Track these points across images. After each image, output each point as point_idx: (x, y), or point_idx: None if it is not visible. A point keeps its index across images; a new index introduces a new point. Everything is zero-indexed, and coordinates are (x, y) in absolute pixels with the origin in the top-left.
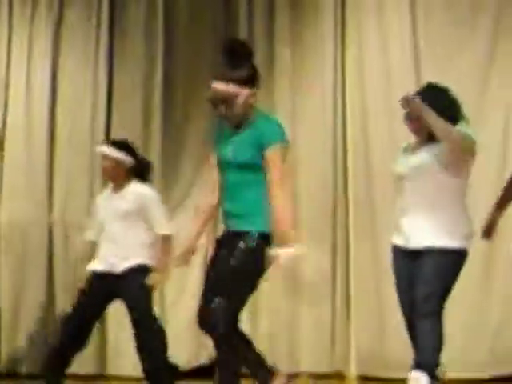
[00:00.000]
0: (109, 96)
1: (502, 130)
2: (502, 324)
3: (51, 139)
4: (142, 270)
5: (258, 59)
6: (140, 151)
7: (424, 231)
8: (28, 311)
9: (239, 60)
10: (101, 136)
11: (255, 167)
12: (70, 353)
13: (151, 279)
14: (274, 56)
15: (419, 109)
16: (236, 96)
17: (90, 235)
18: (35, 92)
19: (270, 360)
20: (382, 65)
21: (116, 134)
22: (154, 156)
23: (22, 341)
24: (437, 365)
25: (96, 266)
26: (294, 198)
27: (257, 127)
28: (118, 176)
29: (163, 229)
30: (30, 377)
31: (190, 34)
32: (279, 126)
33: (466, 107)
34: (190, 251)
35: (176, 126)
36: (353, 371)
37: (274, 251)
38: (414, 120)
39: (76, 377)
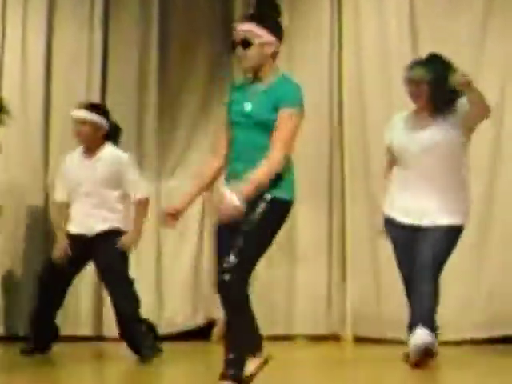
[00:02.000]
0: (104, 59)
1: (499, 92)
2: (495, 286)
3: (46, 103)
4: (116, 233)
5: None
6: (136, 115)
7: (435, 211)
8: (25, 276)
9: (268, 11)
10: (96, 99)
11: (271, 127)
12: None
13: (124, 241)
14: None
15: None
16: (256, 36)
17: (60, 197)
18: (30, 57)
19: (266, 323)
20: (378, 31)
21: (111, 98)
22: (149, 119)
23: (18, 305)
24: (435, 322)
25: (71, 228)
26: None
27: (277, 88)
28: (95, 140)
29: (139, 192)
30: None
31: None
32: (300, 91)
33: (464, 64)
34: (177, 213)
35: (172, 89)
36: (349, 333)
37: (224, 189)
38: (418, 84)
39: (73, 338)
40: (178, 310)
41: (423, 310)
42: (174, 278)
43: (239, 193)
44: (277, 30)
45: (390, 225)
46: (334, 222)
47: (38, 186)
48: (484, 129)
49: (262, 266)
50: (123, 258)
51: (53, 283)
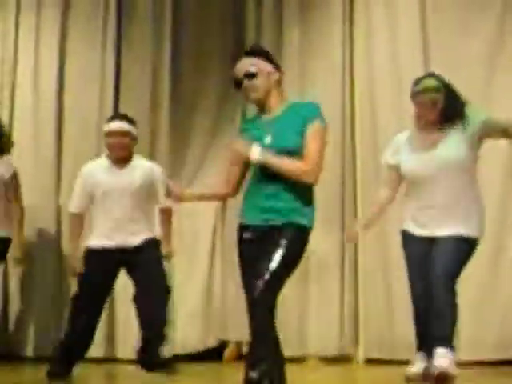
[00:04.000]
0: (116, 79)
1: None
2: (509, 308)
3: (59, 124)
4: (154, 244)
5: (267, 39)
6: (149, 134)
7: (451, 225)
8: (38, 294)
9: (262, 47)
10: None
11: (298, 154)
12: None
13: (164, 251)
14: (282, 37)
15: None
16: (260, 67)
17: (75, 207)
18: (43, 77)
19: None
20: (390, 46)
21: None
22: (162, 138)
23: (31, 325)
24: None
25: (101, 241)
26: None
27: (295, 111)
28: (131, 151)
29: (167, 201)
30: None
31: (197, 16)
32: (317, 106)
33: (475, 91)
34: (181, 195)
35: (184, 108)
36: (360, 354)
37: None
38: (429, 95)
39: (85, 360)
40: (189, 331)
41: (445, 324)
42: (185, 300)
43: (263, 152)
44: (273, 61)
45: (407, 238)
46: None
47: (50, 207)
48: (496, 154)
49: None
50: (163, 268)
51: (87, 304)
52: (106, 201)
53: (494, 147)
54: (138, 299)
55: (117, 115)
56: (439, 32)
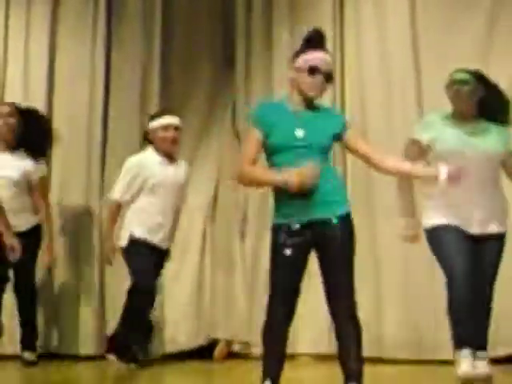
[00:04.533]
0: (106, 77)
1: None
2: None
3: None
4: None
5: (257, 40)
6: (138, 132)
7: (489, 218)
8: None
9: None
10: (98, 117)
11: (330, 152)
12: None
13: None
14: (272, 37)
15: None
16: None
17: (122, 196)
18: (32, 74)
19: None
20: (380, 45)
21: (113, 115)
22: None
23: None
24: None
25: (152, 236)
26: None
27: (330, 113)
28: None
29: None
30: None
31: (187, 16)
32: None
33: None
34: None
35: (174, 106)
36: None
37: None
38: (462, 86)
39: (77, 358)
40: (180, 329)
41: (484, 332)
42: (176, 298)
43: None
44: None
45: (443, 229)
46: None
47: None
48: None
49: (264, 285)
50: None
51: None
52: (154, 192)
53: None
54: None
55: (165, 110)
56: (429, 31)
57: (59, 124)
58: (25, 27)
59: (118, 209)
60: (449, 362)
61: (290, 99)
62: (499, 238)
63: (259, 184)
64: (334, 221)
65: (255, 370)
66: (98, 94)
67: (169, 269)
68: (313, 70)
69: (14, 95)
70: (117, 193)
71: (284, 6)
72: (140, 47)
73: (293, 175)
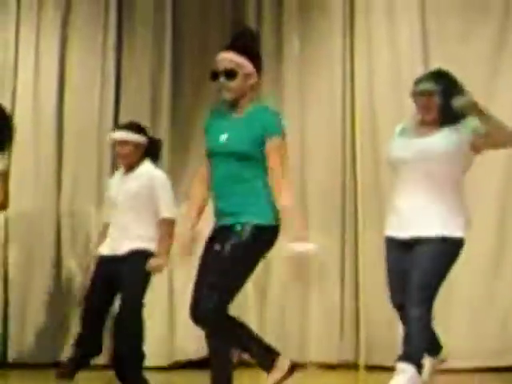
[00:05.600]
0: (117, 85)
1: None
2: (509, 312)
3: (59, 130)
4: (143, 255)
5: (267, 50)
6: None
7: (424, 219)
8: (36, 301)
9: (249, 42)
10: (109, 126)
11: (252, 159)
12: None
13: (152, 264)
14: (282, 47)
15: (484, 112)
16: (241, 67)
17: (105, 217)
18: (43, 84)
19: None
20: (390, 54)
21: None
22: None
23: (30, 332)
24: (423, 354)
25: (103, 249)
26: (302, 186)
27: (257, 118)
28: (136, 159)
29: (168, 212)
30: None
31: (198, 23)
32: (280, 117)
33: (476, 93)
34: (191, 240)
35: (184, 119)
36: (361, 360)
37: (286, 247)
38: (427, 97)
39: (89, 367)
40: (189, 338)
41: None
42: (185, 308)
43: (301, 238)
44: (258, 62)
45: (387, 245)
46: (346, 249)
47: (50, 212)
48: (497, 156)
49: (274, 294)
50: (144, 281)
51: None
52: (115, 207)
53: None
54: None
55: (120, 124)
56: (439, 40)
57: (69, 132)
58: (35, 36)
59: (104, 231)
60: None
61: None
62: (439, 242)
63: None
64: (238, 227)
65: (265, 379)
66: (108, 103)
67: (178, 279)
68: (213, 76)
69: (25, 103)
70: (104, 216)
71: (294, 19)
72: (150, 57)
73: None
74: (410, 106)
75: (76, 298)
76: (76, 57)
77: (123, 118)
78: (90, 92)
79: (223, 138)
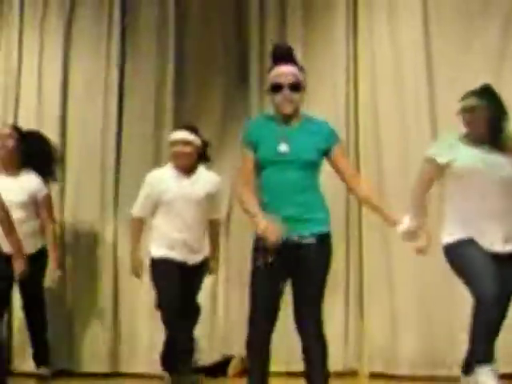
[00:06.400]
0: (120, 92)
1: None
2: None
3: (62, 137)
4: (206, 263)
5: (269, 52)
6: (152, 147)
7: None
8: None
9: (295, 57)
10: (112, 134)
11: (315, 167)
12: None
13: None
14: None
15: None
16: (302, 81)
17: (139, 212)
18: (46, 90)
19: (284, 359)
20: (393, 59)
21: (128, 131)
22: (166, 153)
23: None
24: None
25: (172, 254)
26: None
27: (317, 128)
28: (195, 161)
29: (220, 212)
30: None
31: (201, 27)
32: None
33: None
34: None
35: (188, 119)
36: (365, 369)
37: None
38: (474, 112)
39: (90, 375)
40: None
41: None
42: None
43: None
44: (305, 77)
45: (466, 245)
46: (350, 257)
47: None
48: None
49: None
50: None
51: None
52: (170, 208)
53: None
54: None
55: (180, 126)
56: (443, 40)
57: (73, 138)
58: (39, 42)
59: (138, 223)
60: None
61: (275, 115)
62: None
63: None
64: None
65: None
66: (111, 109)
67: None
68: (276, 88)
69: (28, 110)
70: (134, 208)
71: (297, 22)
72: (154, 62)
73: (267, 231)
74: (412, 109)
75: None
76: (79, 63)
77: (127, 123)
78: (93, 98)
79: (284, 147)
